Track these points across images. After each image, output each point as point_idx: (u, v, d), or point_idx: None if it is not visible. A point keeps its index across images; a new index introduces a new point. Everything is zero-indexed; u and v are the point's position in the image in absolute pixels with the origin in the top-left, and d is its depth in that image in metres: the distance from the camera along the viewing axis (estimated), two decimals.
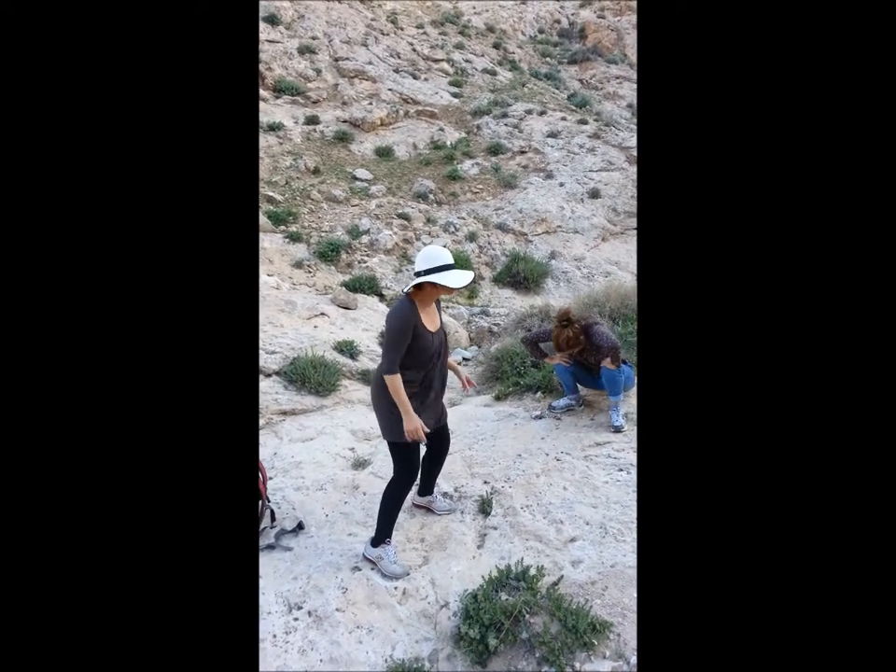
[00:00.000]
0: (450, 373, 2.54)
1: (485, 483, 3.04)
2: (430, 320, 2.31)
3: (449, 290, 2.24)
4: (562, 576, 2.18)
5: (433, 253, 2.22)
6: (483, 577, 2.16)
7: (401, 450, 2.35)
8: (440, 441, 2.58)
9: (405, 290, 2.28)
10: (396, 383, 2.19)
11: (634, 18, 23.11)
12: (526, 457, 3.23)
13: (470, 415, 4.04)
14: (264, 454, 3.27)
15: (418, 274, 2.20)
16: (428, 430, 2.30)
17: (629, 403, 3.62)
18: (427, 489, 2.79)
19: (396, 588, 2.30)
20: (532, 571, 2.11)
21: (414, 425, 2.21)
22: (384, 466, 3.24)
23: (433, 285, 2.21)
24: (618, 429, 3.35)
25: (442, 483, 3.02)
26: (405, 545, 2.57)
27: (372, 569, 2.39)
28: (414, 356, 2.25)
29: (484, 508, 2.78)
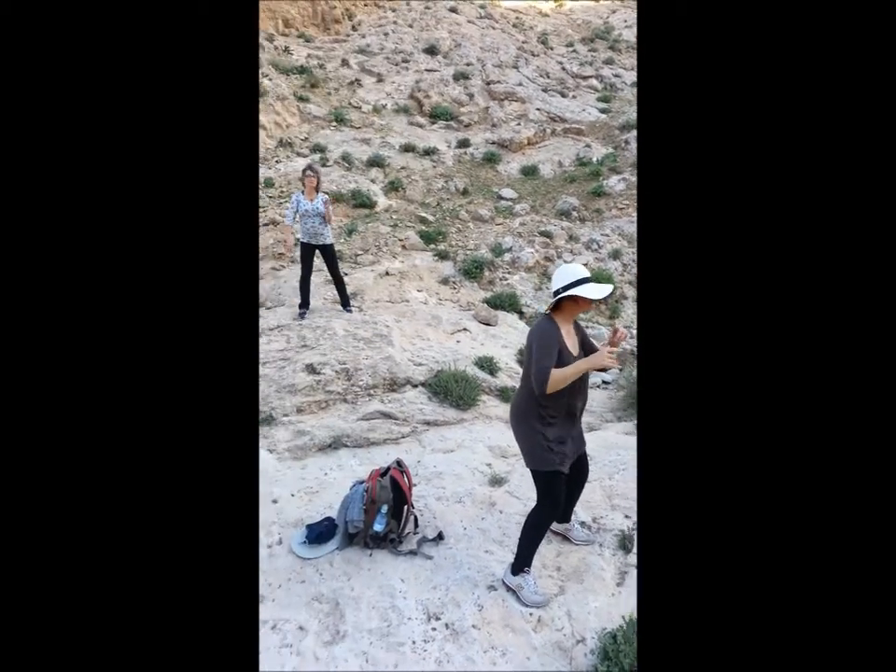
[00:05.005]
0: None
1: (626, 517, 2.89)
2: (571, 342, 2.30)
3: (588, 303, 2.25)
4: None
5: (568, 269, 2.25)
6: (623, 617, 2.06)
7: (544, 478, 2.32)
8: (579, 467, 2.51)
9: (545, 310, 2.30)
10: (557, 375, 2.13)
11: None
12: None
13: (611, 442, 3.88)
14: (409, 460, 3.45)
15: (556, 293, 2.22)
16: (615, 355, 2.09)
17: None
18: (564, 516, 2.73)
19: (531, 614, 2.28)
20: None
21: (601, 357, 2.07)
22: (521, 485, 3.24)
23: (572, 300, 2.22)
24: None
25: (581, 511, 2.94)
26: (541, 571, 2.54)
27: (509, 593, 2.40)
28: None
29: (625, 544, 2.65)
